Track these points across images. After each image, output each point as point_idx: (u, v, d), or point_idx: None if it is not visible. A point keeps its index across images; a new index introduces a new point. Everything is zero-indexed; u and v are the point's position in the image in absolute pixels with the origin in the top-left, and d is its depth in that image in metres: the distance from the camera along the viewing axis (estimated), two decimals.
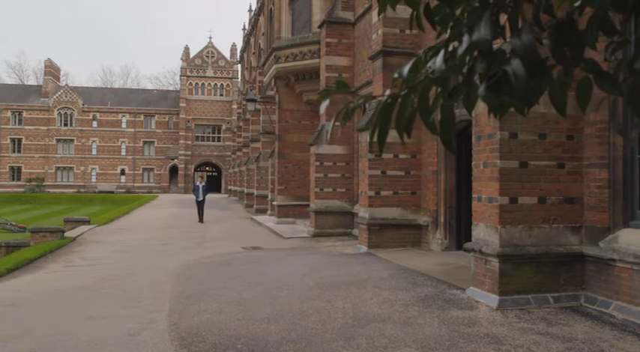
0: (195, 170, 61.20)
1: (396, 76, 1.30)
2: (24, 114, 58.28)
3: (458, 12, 1.32)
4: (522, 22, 1.25)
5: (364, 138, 10.98)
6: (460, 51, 1.24)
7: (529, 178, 6.13)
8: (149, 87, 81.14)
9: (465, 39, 1.24)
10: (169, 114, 61.43)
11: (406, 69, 1.29)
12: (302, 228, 15.71)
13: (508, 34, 1.26)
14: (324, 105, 1.35)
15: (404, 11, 8.75)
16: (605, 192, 5.94)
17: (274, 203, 18.68)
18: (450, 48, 1.28)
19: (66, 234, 14.37)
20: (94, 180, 59.37)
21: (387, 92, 1.32)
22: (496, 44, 1.26)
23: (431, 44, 1.40)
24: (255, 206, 24.53)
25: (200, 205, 20.20)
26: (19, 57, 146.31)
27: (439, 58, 1.25)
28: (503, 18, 1.29)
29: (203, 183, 21.02)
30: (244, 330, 5.23)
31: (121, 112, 60.29)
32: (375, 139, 1.31)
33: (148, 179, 60.73)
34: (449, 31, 1.32)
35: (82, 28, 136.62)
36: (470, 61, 1.25)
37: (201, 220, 19.67)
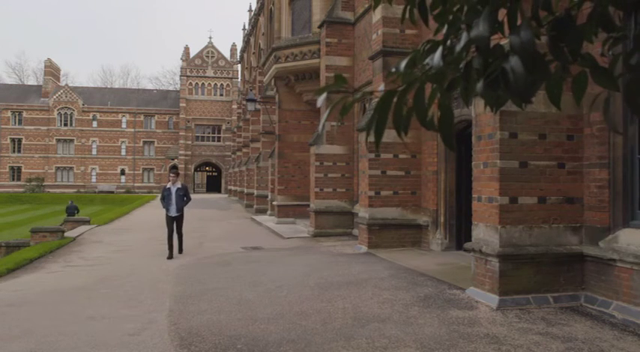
0: (196, 170, 61.22)
1: (393, 70, 1.30)
2: (24, 114, 58.33)
3: (455, 8, 1.32)
4: (521, 19, 1.25)
5: (364, 138, 10.98)
6: (458, 48, 1.23)
7: (529, 178, 6.12)
8: (149, 87, 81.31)
9: (464, 36, 1.24)
10: (169, 114, 61.47)
11: (403, 64, 1.29)
12: (302, 228, 15.71)
13: (507, 30, 1.26)
14: (321, 99, 1.35)
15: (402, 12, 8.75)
16: (605, 192, 5.93)
17: (274, 203, 18.68)
18: (448, 44, 1.28)
19: (66, 234, 14.36)
20: (94, 180, 59.41)
21: (381, 87, 1.32)
22: (494, 40, 1.26)
23: None
24: (255, 206, 24.53)
25: (172, 225, 11.05)
26: (19, 57, 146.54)
27: (437, 55, 1.26)
28: (502, 14, 1.29)
29: (178, 186, 11.21)
30: (244, 330, 5.23)
31: (121, 112, 60.33)
32: (371, 137, 1.31)
33: (148, 179, 60.77)
34: (446, 27, 1.32)
35: (82, 28, 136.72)
36: (467, 56, 1.25)
37: (172, 253, 10.77)
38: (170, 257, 10.68)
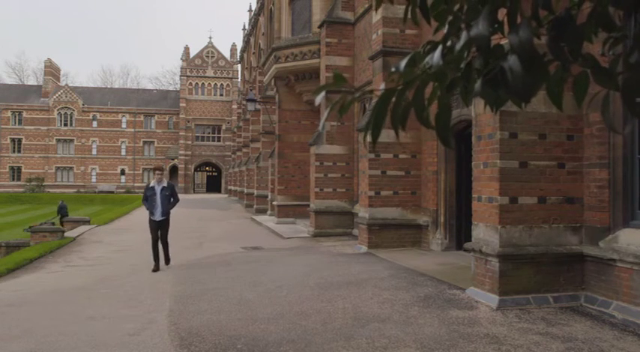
0: (196, 170, 61.21)
1: (393, 70, 1.30)
2: (24, 114, 58.33)
3: (456, 7, 1.32)
4: (521, 18, 1.25)
5: (363, 138, 10.98)
6: (458, 47, 1.24)
7: (529, 178, 6.12)
8: (149, 87, 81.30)
9: (463, 35, 1.24)
10: (169, 114, 61.48)
11: (403, 63, 1.29)
12: (302, 228, 15.71)
13: (507, 29, 1.26)
14: (319, 98, 1.35)
15: (403, 12, 8.76)
16: (605, 192, 5.93)
17: (274, 203, 18.68)
18: (448, 43, 1.28)
19: (66, 234, 14.37)
20: (94, 180, 59.43)
21: (382, 86, 1.31)
22: (495, 40, 1.26)
23: None
24: (255, 206, 24.53)
25: (157, 232, 9.48)
26: (19, 57, 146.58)
27: (437, 54, 1.26)
28: (502, 13, 1.29)
29: (164, 184, 9.57)
30: (244, 330, 5.23)
31: (121, 112, 60.35)
32: (369, 134, 1.31)
33: (148, 179, 60.70)
34: (447, 26, 1.32)
35: (82, 28, 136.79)
36: (468, 57, 1.25)
37: (158, 265, 9.17)
38: (156, 269, 9.03)
